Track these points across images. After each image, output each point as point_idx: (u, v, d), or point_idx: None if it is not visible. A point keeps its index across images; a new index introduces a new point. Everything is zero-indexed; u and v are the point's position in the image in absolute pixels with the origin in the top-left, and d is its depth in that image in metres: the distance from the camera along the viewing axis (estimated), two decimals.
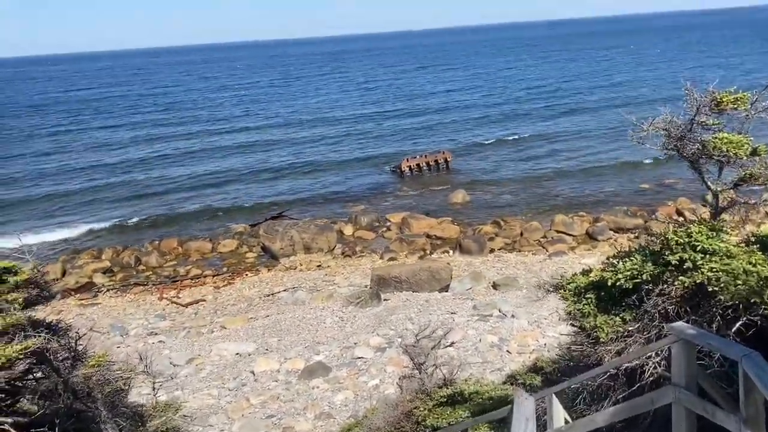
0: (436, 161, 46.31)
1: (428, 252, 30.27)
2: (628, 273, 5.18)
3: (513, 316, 20.99)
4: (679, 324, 4.32)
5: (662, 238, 5.05)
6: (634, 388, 5.12)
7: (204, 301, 26.46)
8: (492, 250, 29.73)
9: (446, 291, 24.61)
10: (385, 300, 23.60)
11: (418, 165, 45.53)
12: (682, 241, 4.90)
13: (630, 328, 5.20)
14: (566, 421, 5.62)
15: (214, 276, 29.27)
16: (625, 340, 5.22)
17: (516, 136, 56.53)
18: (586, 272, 5.78)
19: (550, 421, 5.69)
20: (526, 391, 9.56)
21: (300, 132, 65.75)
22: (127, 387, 8.42)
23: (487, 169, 46.39)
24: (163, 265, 31.13)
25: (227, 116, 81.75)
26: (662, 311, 5.02)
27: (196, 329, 23.41)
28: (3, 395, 6.39)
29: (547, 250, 29.29)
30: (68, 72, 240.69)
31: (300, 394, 17.00)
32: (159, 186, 46.37)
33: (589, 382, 5.58)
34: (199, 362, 19.63)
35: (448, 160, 46.64)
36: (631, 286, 5.20)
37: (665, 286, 5.00)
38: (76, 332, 6.98)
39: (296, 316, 22.83)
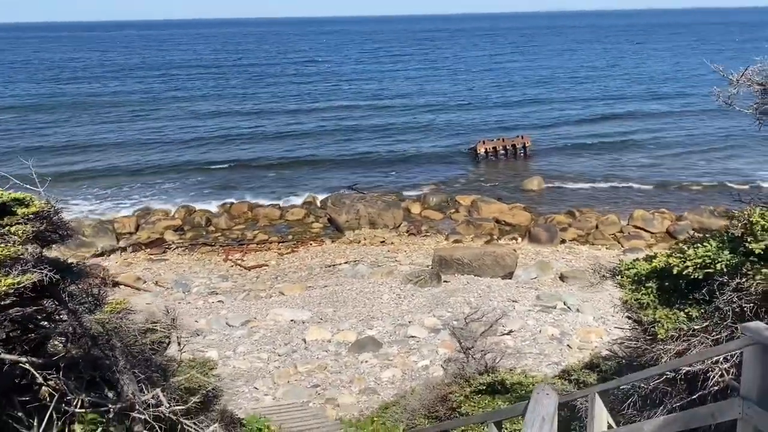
0: (513, 146, 44.31)
1: (495, 237, 29.29)
2: (699, 261, 4.32)
3: (578, 310, 19.96)
4: (756, 324, 3.52)
5: (745, 221, 4.17)
6: (694, 396, 4.32)
7: (267, 266, 26.68)
8: (563, 241, 28.44)
9: (509, 278, 23.69)
10: (445, 281, 22.97)
11: (494, 148, 43.69)
12: None
13: (695, 327, 4.37)
14: (609, 426, 4.89)
15: (279, 242, 29.50)
16: (689, 340, 4.40)
17: (610, 133, 51.87)
18: (649, 258, 4.97)
19: (591, 424, 4.98)
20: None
21: (383, 114, 63.70)
22: (164, 341, 8.14)
23: (569, 159, 43.74)
24: (232, 228, 31.65)
25: (313, 91, 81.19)
26: (737, 309, 4.18)
27: (255, 293, 23.63)
28: (27, 335, 6.20)
29: (622, 246, 27.74)
30: (161, 36, 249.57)
31: (348, 366, 16.72)
32: (240, 158, 45.94)
33: (642, 385, 4.81)
34: (254, 325, 19.72)
35: (527, 145, 44.67)
36: (701, 277, 4.35)
37: (744, 279, 4.14)
38: (101, 276, 6.64)
39: (354, 288, 22.56)
